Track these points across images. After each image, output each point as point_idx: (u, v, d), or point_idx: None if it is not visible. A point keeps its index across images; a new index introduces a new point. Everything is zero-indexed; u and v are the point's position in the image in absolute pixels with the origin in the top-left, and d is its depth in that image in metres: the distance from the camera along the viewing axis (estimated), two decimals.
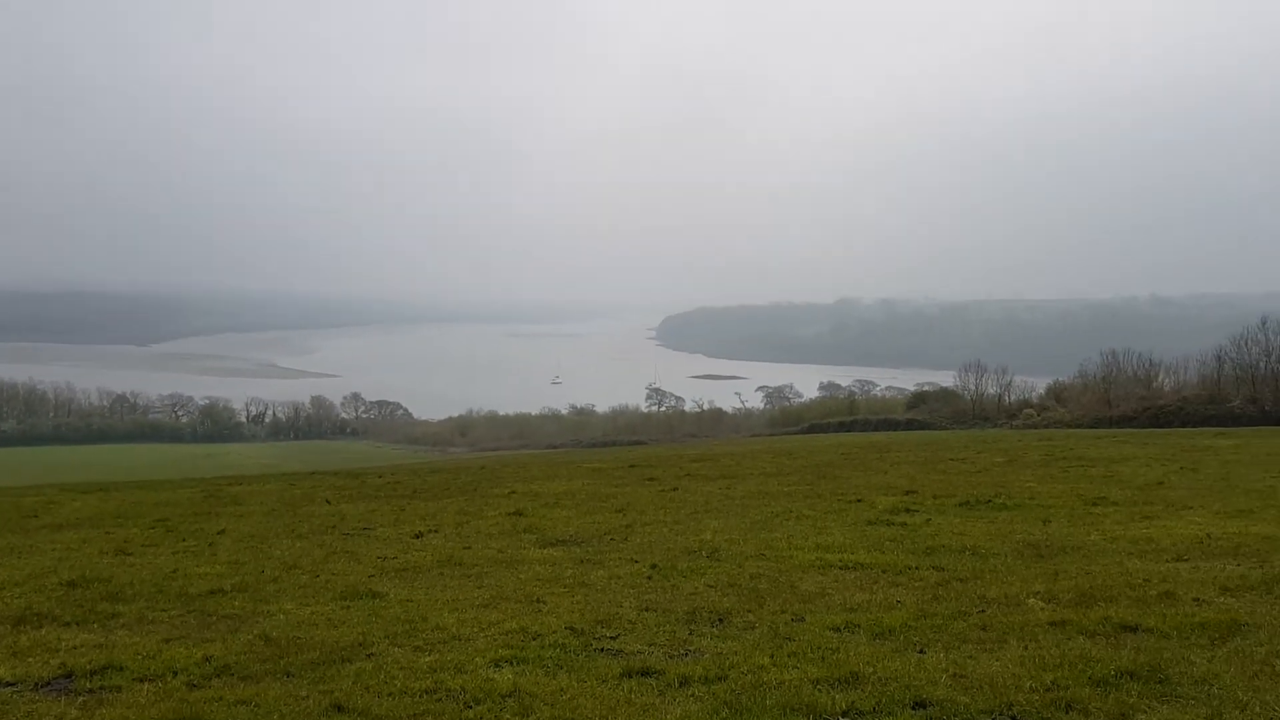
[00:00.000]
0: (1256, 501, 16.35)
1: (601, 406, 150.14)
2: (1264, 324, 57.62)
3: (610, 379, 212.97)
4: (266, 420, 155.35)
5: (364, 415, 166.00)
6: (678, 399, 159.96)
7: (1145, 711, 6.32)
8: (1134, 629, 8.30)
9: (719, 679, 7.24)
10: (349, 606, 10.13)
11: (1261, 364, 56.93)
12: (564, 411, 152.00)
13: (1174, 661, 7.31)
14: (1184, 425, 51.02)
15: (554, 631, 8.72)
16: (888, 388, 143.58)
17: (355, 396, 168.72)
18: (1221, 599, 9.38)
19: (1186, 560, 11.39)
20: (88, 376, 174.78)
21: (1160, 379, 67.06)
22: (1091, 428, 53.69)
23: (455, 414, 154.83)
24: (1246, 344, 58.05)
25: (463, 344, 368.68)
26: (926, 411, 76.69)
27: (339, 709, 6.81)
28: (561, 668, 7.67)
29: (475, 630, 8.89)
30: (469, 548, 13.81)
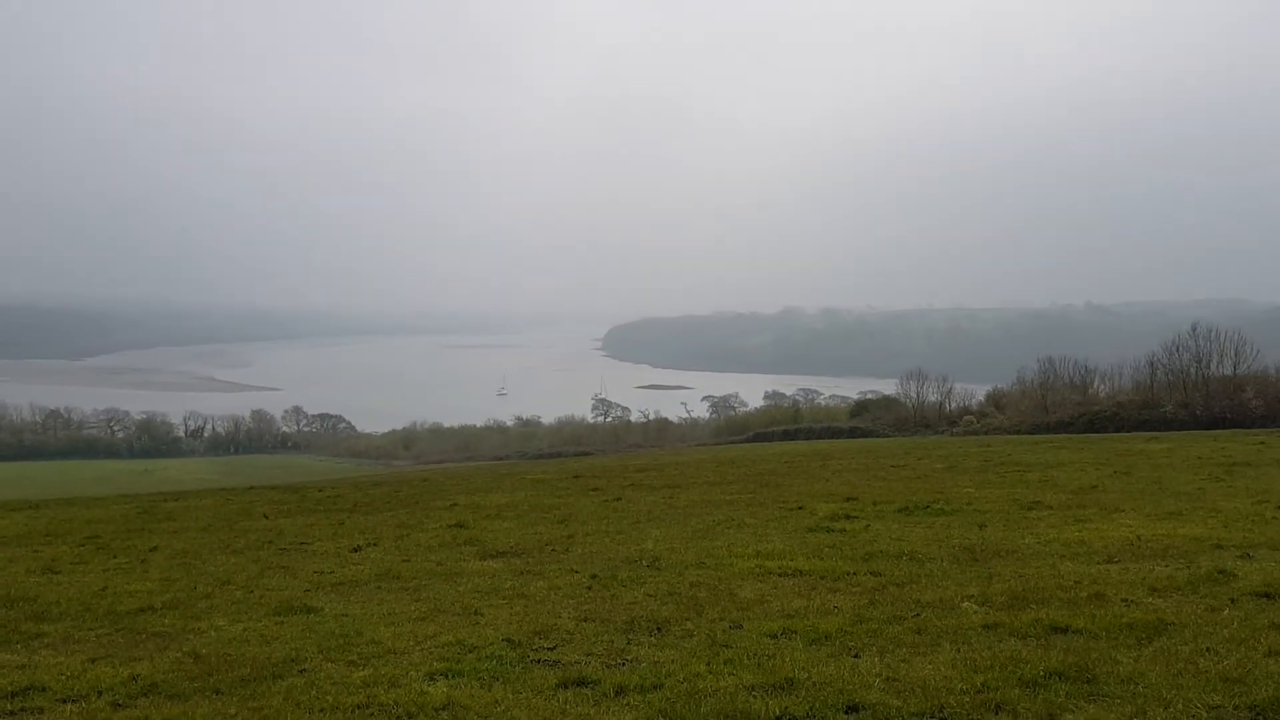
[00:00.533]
0: (1186, 504, 16.72)
1: (547, 418, 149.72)
2: (1194, 331, 59.09)
3: (556, 390, 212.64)
4: (205, 434, 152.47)
5: (306, 429, 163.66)
6: (624, 409, 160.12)
7: (1072, 711, 6.42)
8: (1064, 630, 8.43)
9: (655, 688, 7.23)
10: (283, 622, 9.95)
11: (1192, 370, 58.36)
12: (509, 423, 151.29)
13: (1101, 661, 7.44)
14: (1119, 430, 52.12)
15: (491, 643, 8.64)
16: (831, 396, 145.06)
17: (297, 410, 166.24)
18: (1149, 599, 9.57)
19: (1117, 562, 11.61)
20: (18, 392, 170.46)
21: (1096, 385, 68.40)
22: (1030, 434, 54.59)
23: (399, 427, 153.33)
24: (1178, 351, 59.46)
25: (405, 356, 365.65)
26: (869, 419, 77.47)
27: None
28: (497, 679, 7.60)
29: (411, 644, 8.78)
30: (408, 561, 13.65)
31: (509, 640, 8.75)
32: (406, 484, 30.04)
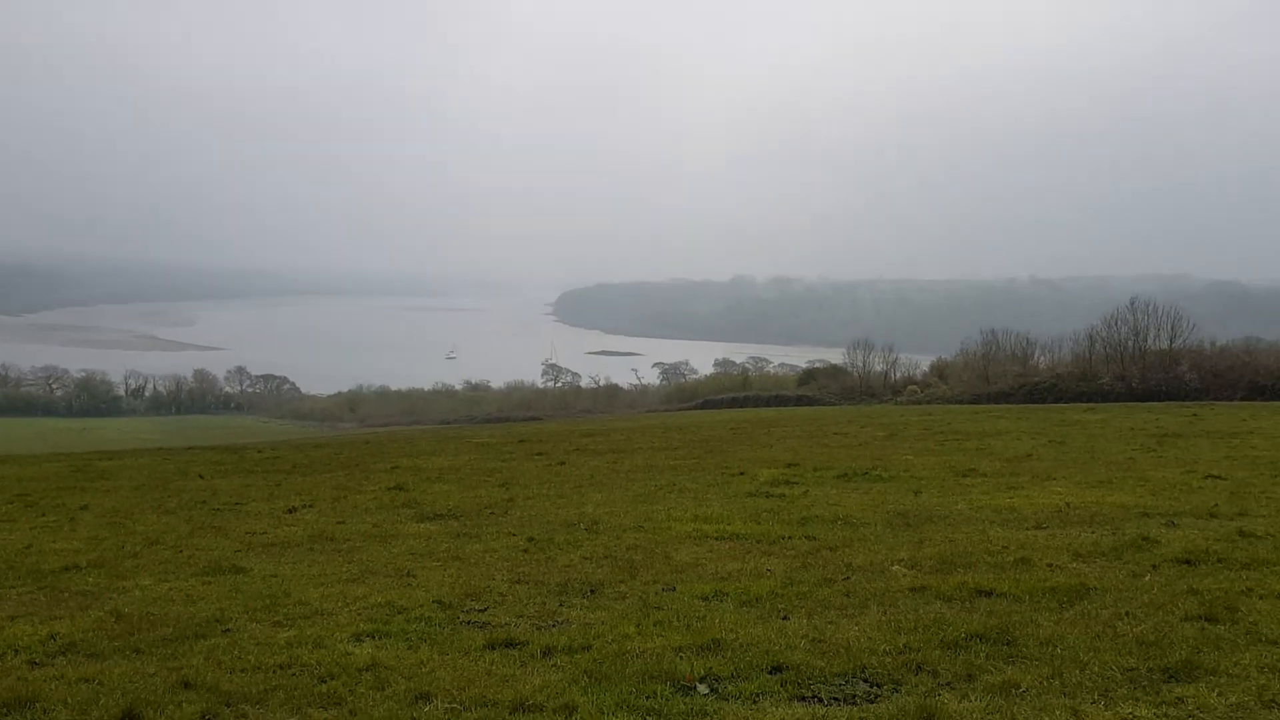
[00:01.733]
0: (1116, 473, 17.07)
1: (497, 382, 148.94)
2: (1132, 305, 60.14)
3: (506, 355, 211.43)
4: (146, 394, 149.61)
5: (249, 389, 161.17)
6: (574, 375, 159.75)
7: (990, 672, 6.53)
8: (989, 594, 8.57)
9: (583, 649, 7.23)
10: (210, 582, 9.82)
11: (1129, 343, 59.45)
12: (458, 387, 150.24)
13: (1022, 624, 7.57)
14: (1057, 401, 53.04)
15: (421, 605, 8.60)
16: (780, 364, 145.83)
17: (240, 370, 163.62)
18: (1074, 564, 9.75)
19: (1045, 528, 11.82)
20: None
21: (1036, 357, 69.46)
22: (971, 403, 55.40)
23: (345, 389, 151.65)
24: (1116, 324, 60.52)
25: (353, 318, 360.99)
26: (816, 388, 78.07)
27: (187, 685, 6.58)
28: (425, 641, 7.56)
29: (340, 605, 8.71)
30: (343, 523, 13.54)
31: (440, 602, 8.70)
32: (348, 446, 29.78)
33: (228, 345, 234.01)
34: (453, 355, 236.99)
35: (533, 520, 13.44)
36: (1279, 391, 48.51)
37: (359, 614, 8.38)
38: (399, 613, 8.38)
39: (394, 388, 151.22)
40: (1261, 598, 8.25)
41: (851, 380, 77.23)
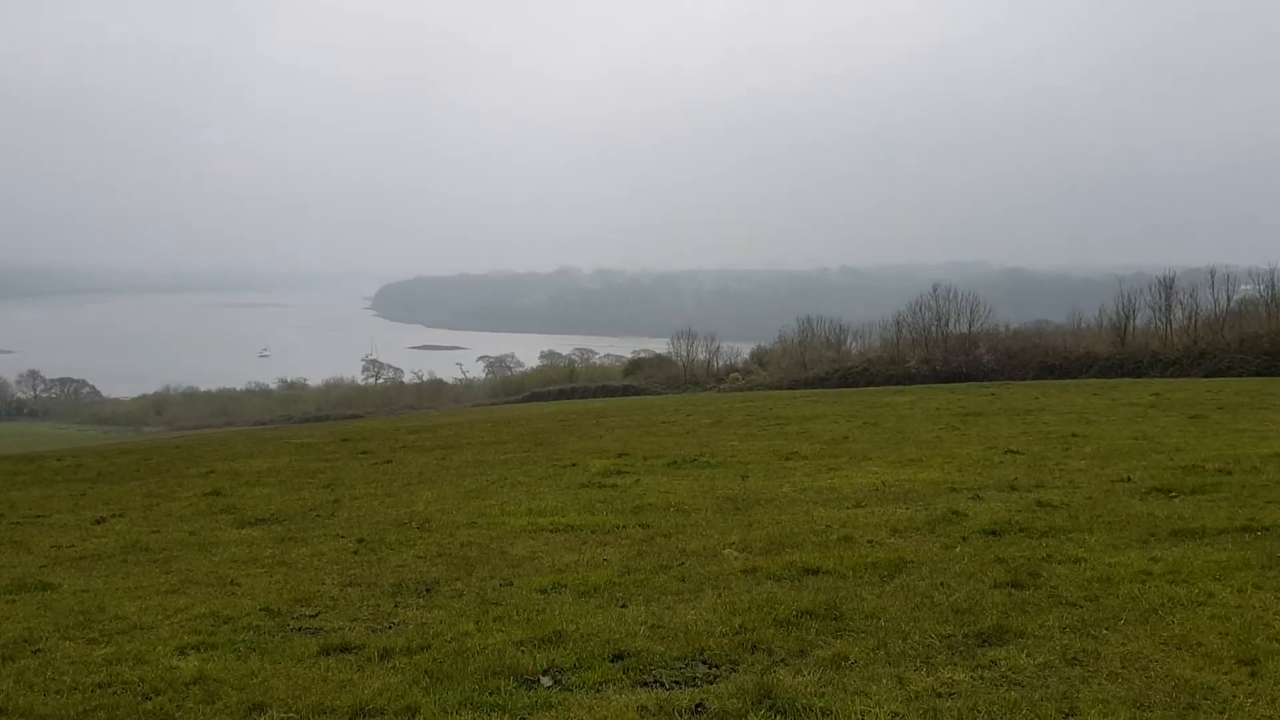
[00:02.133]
0: (925, 451, 18.03)
1: (314, 380, 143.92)
2: (935, 292, 63.69)
3: (324, 351, 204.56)
4: None
5: (44, 394, 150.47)
6: (396, 371, 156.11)
7: (821, 646, 6.82)
8: (816, 571, 8.93)
9: (422, 649, 7.14)
10: (14, 601, 9.16)
11: (933, 328, 62.93)
12: (273, 386, 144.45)
13: (848, 599, 7.93)
14: (869, 384, 55.60)
15: (248, 614, 8.28)
16: (606, 355, 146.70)
17: (33, 374, 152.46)
18: (891, 540, 10.27)
19: (864, 506, 12.39)
20: None
21: (849, 343, 72.56)
22: (789, 389, 57.36)
23: (150, 391, 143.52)
24: (920, 310, 63.99)
25: (162, 316, 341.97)
26: (642, 377, 79.10)
27: None
28: (255, 650, 7.29)
29: (160, 618, 8.28)
30: (157, 532, 12.86)
31: (267, 609, 8.40)
32: (158, 451, 28.26)
33: (17, 348, 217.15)
34: (266, 353, 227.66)
35: (361, 521, 13.13)
36: (1066, 370, 52.28)
37: (182, 626, 7.99)
38: (225, 622, 8.05)
39: (204, 388, 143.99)
40: (1060, 563, 8.90)
41: (676, 369, 78.64)
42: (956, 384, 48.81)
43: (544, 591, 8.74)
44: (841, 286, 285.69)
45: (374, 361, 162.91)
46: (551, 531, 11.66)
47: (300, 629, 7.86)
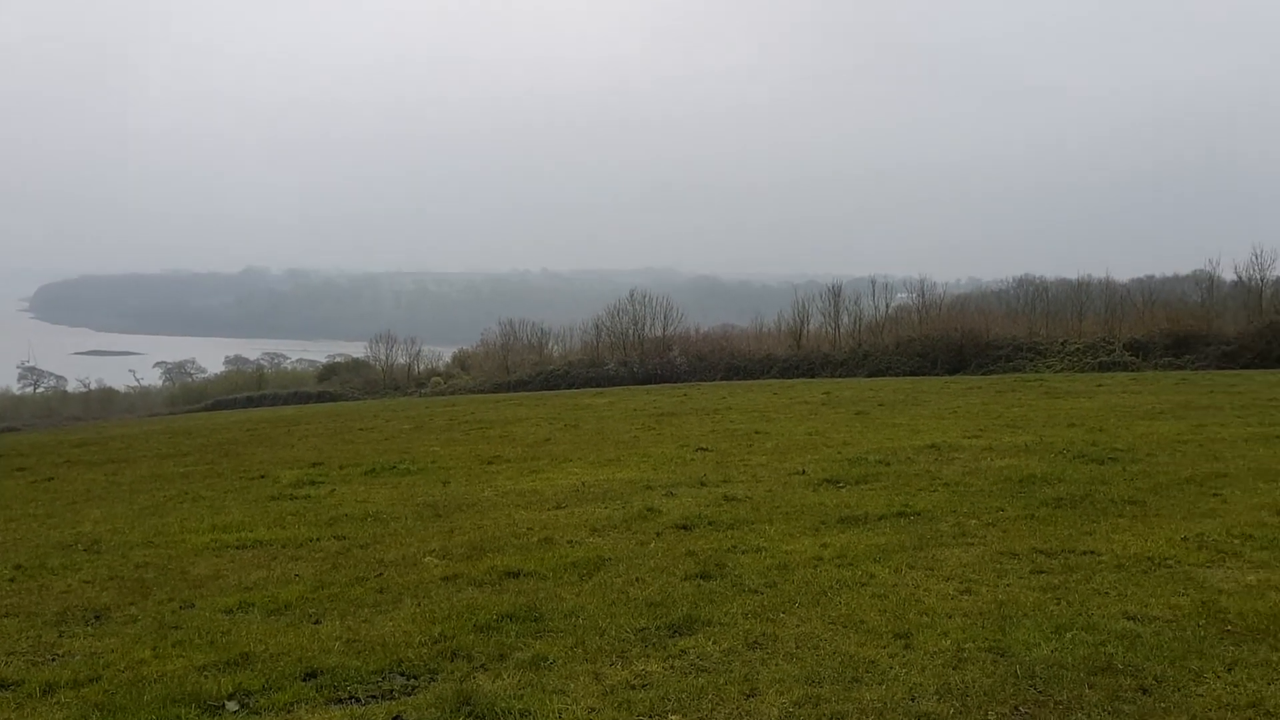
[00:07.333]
0: (623, 451, 18.63)
1: None
2: (631, 296, 65.93)
3: None
4: None
5: None
6: (59, 379, 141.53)
7: (521, 649, 6.89)
8: (517, 574, 9.00)
9: (91, 680, 6.55)
10: None
11: (630, 331, 65.08)
12: None
13: (548, 600, 8.06)
14: (570, 387, 56.64)
15: None
16: (299, 360, 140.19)
17: None
18: (591, 539, 10.54)
19: (564, 507, 12.62)
20: None
21: (550, 346, 73.56)
22: (493, 392, 57.38)
23: None
24: (618, 314, 66.01)
25: None
26: (339, 383, 76.34)
27: None
28: None
29: None
30: None
31: None
32: None
33: None
34: None
35: (18, 545, 11.82)
36: (750, 371, 55.68)
37: None
38: None
39: None
40: (744, 553, 9.49)
41: (375, 374, 76.61)
42: (653, 385, 50.74)
43: (229, 612, 8.25)
44: (543, 289, 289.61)
45: (32, 369, 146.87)
46: (238, 548, 11.02)
47: None
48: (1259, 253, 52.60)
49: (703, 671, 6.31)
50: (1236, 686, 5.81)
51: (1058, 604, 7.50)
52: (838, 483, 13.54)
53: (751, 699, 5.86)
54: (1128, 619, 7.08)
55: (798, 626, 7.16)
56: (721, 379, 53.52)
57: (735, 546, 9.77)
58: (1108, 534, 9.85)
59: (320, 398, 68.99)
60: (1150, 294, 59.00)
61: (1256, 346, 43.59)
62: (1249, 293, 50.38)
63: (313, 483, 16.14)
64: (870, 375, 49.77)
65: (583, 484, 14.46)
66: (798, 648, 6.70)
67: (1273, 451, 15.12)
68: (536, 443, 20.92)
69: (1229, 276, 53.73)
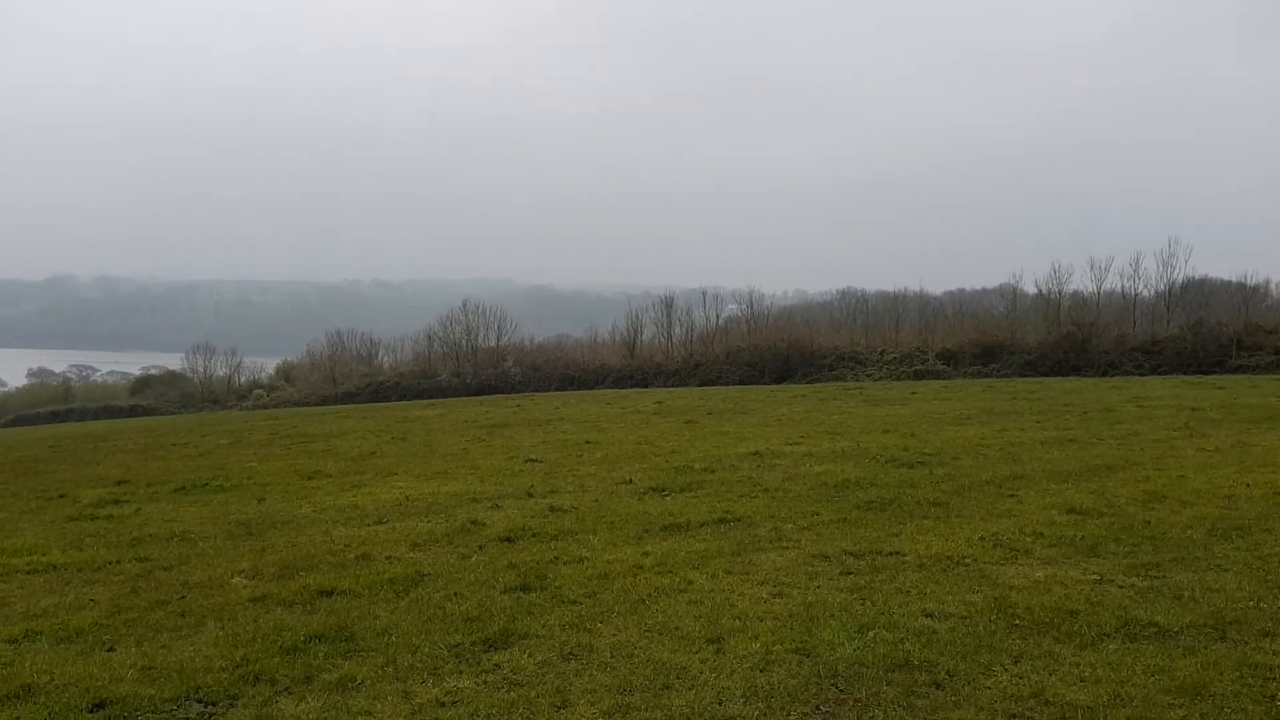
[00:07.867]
0: (451, 463, 18.36)
1: None
2: (465, 306, 65.26)
3: None
4: None
5: None
6: None
7: (329, 670, 6.66)
8: (330, 593, 8.71)
9: None
10: None
11: (464, 341, 64.42)
12: None
13: (361, 618, 7.83)
14: (401, 399, 55.54)
15: None
16: (110, 372, 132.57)
17: None
18: (411, 554, 10.31)
19: (386, 522, 12.32)
20: None
21: (381, 357, 72.04)
22: (319, 405, 55.69)
23: None
24: (451, 324, 65.26)
25: None
26: (153, 396, 72.62)
27: None
28: None
29: None
30: None
31: None
32: None
33: None
34: None
35: None
36: (585, 381, 55.90)
37: None
38: None
39: None
40: (566, 564, 9.48)
41: (193, 387, 73.30)
42: (486, 396, 50.29)
43: (14, 641, 7.69)
44: (374, 299, 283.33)
45: None
46: (28, 573, 10.29)
47: None
48: (1056, 268, 57.30)
49: (515, 685, 6.26)
50: (1021, 678, 6.16)
51: (862, 604, 7.80)
52: (663, 491, 13.71)
53: (562, 710, 5.84)
54: (926, 616, 7.43)
55: (614, 635, 7.19)
56: (556, 389, 53.56)
57: (558, 557, 9.75)
58: (913, 535, 10.32)
59: (133, 412, 65.51)
60: (961, 306, 62.57)
61: (1055, 355, 46.74)
62: (1048, 305, 54.07)
63: (116, 501, 15.25)
64: (702, 384, 50.74)
65: (406, 498, 14.16)
66: (612, 657, 6.73)
67: (1065, 454, 16.19)
68: (361, 456, 20.39)
69: (1030, 290, 57.68)
